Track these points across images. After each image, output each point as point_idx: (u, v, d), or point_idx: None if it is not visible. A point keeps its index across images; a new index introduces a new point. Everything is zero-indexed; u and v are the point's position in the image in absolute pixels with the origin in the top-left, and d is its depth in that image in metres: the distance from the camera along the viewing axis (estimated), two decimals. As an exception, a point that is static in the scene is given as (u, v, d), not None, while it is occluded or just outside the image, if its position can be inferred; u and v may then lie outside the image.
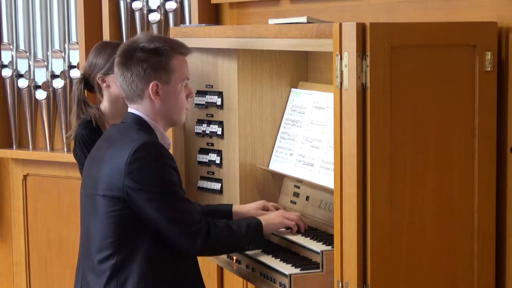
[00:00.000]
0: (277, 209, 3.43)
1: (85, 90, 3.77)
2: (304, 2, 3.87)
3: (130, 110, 3.12)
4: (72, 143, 3.79)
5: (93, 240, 3.03)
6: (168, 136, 3.18)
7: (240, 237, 3.10)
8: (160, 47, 3.05)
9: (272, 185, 3.65)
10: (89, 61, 3.76)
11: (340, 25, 2.67)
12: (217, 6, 4.52)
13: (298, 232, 3.24)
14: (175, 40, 3.17)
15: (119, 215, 2.97)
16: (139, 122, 3.08)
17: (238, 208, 3.43)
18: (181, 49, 3.12)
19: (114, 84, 3.67)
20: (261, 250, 3.23)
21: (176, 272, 3.04)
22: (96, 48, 3.79)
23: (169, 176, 2.97)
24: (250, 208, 3.41)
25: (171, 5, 4.68)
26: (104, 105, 3.75)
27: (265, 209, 3.42)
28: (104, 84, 3.72)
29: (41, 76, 5.23)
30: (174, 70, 3.08)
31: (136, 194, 2.93)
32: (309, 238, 3.20)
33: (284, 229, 3.26)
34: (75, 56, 5.09)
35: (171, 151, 3.12)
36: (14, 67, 5.33)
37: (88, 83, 3.78)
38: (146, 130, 3.06)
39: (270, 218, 3.22)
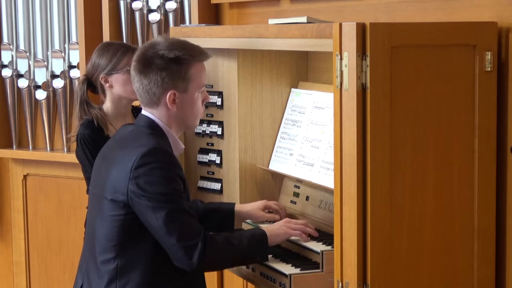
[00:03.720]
0: (275, 212, 3.42)
1: (88, 91, 3.77)
2: (304, 2, 3.87)
3: (144, 112, 3.09)
4: (74, 144, 3.79)
5: (97, 241, 3.02)
6: (181, 142, 3.15)
7: (242, 250, 3.02)
8: (180, 56, 3.00)
9: (272, 185, 3.65)
10: (92, 61, 3.76)
11: (340, 25, 2.67)
12: (217, 6, 4.52)
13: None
14: (194, 46, 3.10)
15: (123, 220, 2.96)
16: (152, 126, 3.05)
17: (240, 207, 3.40)
18: (200, 57, 3.07)
19: (117, 84, 3.68)
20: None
21: (178, 284, 3.01)
22: (99, 48, 3.79)
23: (174, 185, 2.93)
24: (251, 208, 3.39)
25: (171, 5, 4.68)
26: (107, 105, 3.75)
27: (267, 208, 3.41)
28: (107, 84, 3.72)
29: (41, 76, 5.23)
30: (193, 78, 3.04)
31: (138, 200, 2.91)
32: (309, 238, 3.19)
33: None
34: (75, 56, 5.10)
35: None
36: (14, 67, 5.33)
37: (90, 83, 3.78)
38: (158, 135, 3.03)
39: (275, 229, 3.13)
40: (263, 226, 3.18)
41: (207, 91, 3.68)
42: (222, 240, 2.99)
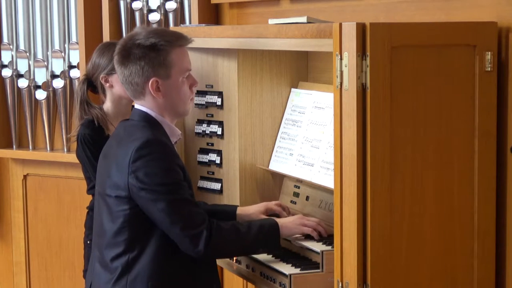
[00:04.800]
0: (278, 213, 3.41)
1: (88, 91, 3.78)
2: (304, 2, 3.87)
3: (136, 106, 3.11)
4: (74, 144, 3.79)
5: (105, 237, 3.04)
6: (177, 128, 3.15)
7: (250, 239, 3.01)
8: (156, 43, 3.01)
9: (272, 185, 3.65)
10: (92, 61, 3.77)
11: (340, 25, 2.67)
12: (217, 6, 4.52)
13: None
14: (172, 32, 3.12)
15: (129, 214, 2.97)
16: (146, 119, 3.06)
17: (241, 210, 3.38)
18: (178, 42, 3.08)
19: (117, 84, 3.68)
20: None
21: (188, 272, 3.02)
22: (99, 48, 3.79)
23: (173, 174, 2.95)
24: (253, 212, 3.36)
25: (171, 5, 4.68)
26: (107, 105, 3.76)
27: (268, 211, 3.39)
28: (107, 84, 3.72)
29: (41, 76, 5.23)
30: (173, 64, 3.04)
31: (139, 193, 2.93)
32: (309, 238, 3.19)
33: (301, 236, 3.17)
34: (75, 56, 5.10)
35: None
36: (14, 67, 5.33)
37: (91, 83, 3.78)
38: (153, 126, 3.04)
39: (288, 222, 3.12)
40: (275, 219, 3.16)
41: (207, 91, 3.70)
42: (230, 227, 3.00)
